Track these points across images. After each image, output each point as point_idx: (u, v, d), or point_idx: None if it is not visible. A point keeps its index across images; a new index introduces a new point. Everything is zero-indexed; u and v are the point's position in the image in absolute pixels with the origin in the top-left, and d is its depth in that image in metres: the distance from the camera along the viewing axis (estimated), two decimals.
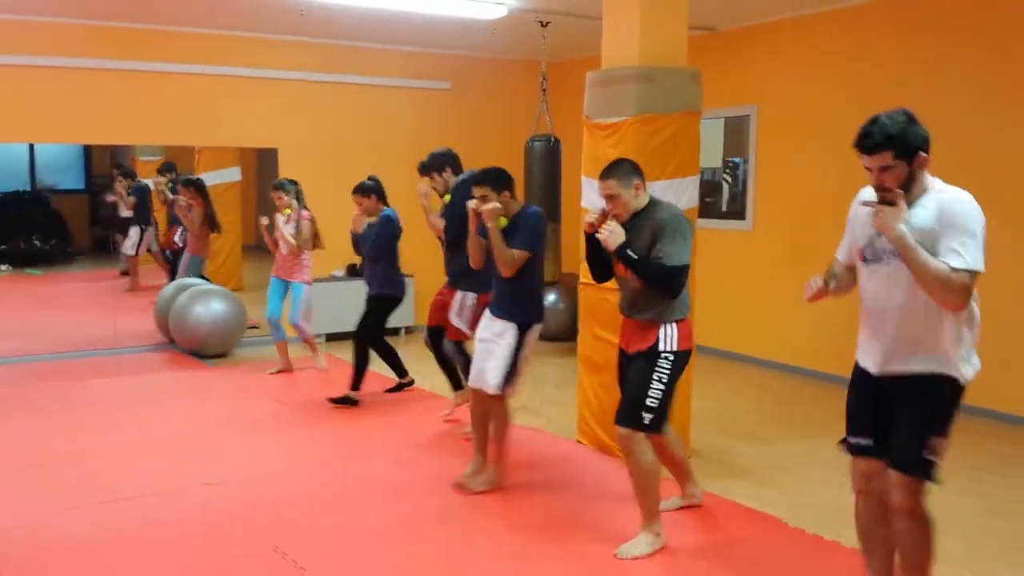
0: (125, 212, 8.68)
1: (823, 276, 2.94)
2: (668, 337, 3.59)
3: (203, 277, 8.06)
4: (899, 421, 2.70)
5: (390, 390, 6.28)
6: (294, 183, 6.59)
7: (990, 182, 5.52)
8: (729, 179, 7.55)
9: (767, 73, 7.20)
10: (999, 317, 5.06)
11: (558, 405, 5.61)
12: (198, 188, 8.02)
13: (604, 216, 3.64)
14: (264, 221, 6.65)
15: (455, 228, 4.73)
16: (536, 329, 4.25)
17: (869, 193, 2.72)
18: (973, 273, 2.48)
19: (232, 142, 8.23)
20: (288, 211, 6.48)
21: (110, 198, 8.62)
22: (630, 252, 3.49)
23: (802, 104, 6.92)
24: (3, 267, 8.36)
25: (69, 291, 9.07)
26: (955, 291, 2.47)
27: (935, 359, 2.63)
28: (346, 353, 6.22)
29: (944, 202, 2.55)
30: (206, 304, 7.30)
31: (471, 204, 4.19)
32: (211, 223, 8.03)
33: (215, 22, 7.38)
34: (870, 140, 2.57)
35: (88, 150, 8.80)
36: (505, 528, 3.90)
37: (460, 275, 4.89)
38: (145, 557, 3.58)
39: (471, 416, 4.47)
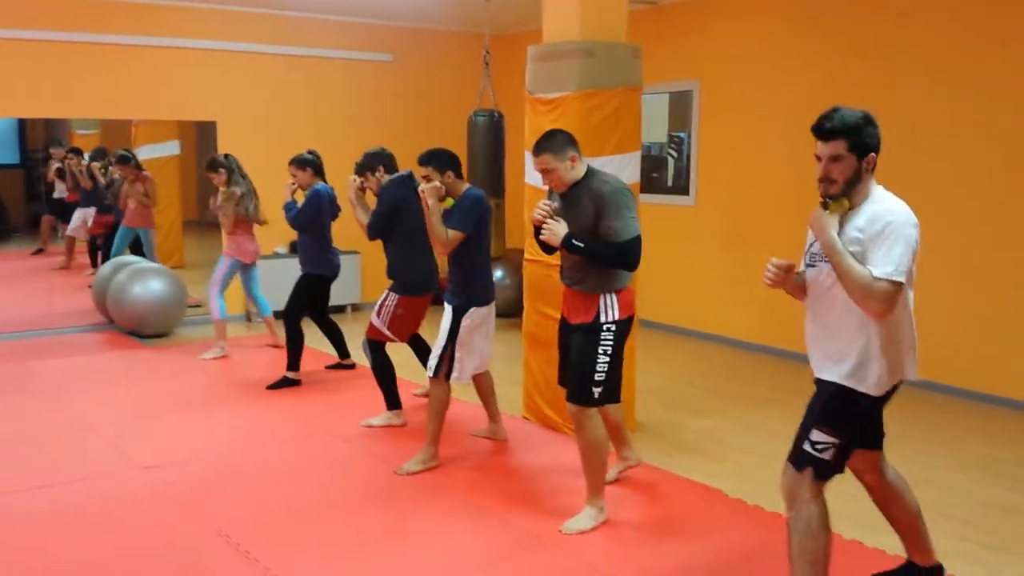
0: (60, 192, 8.47)
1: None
2: (608, 307, 3.60)
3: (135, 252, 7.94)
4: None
5: (331, 367, 6.25)
6: (227, 157, 6.49)
7: (953, 156, 5.63)
8: (675, 154, 7.59)
9: (708, 48, 7.23)
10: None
11: (504, 381, 5.61)
12: (135, 163, 7.86)
13: (548, 214, 3.58)
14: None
15: (376, 227, 4.71)
16: (475, 312, 4.24)
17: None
18: (894, 282, 2.48)
19: (170, 115, 8.02)
20: (224, 189, 6.42)
21: (50, 176, 8.39)
22: (576, 242, 3.47)
23: (744, 80, 6.97)
24: None
25: (3, 270, 8.81)
26: (876, 298, 2.49)
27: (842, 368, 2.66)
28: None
29: (878, 212, 2.58)
30: (145, 283, 7.14)
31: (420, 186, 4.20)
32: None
33: None
34: (828, 124, 2.60)
35: (23, 124, 8.51)
36: (451, 504, 3.91)
37: (388, 274, 4.86)
38: (83, 543, 3.51)
39: None
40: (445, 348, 4.23)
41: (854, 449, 2.76)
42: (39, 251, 8.69)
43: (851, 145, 2.58)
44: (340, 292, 5.97)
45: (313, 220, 5.74)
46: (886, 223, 2.53)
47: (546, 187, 3.74)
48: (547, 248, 3.85)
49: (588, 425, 3.59)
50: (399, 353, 5.11)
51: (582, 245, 3.47)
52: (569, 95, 4.61)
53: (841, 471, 2.75)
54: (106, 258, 8.02)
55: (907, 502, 2.97)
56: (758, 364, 6.62)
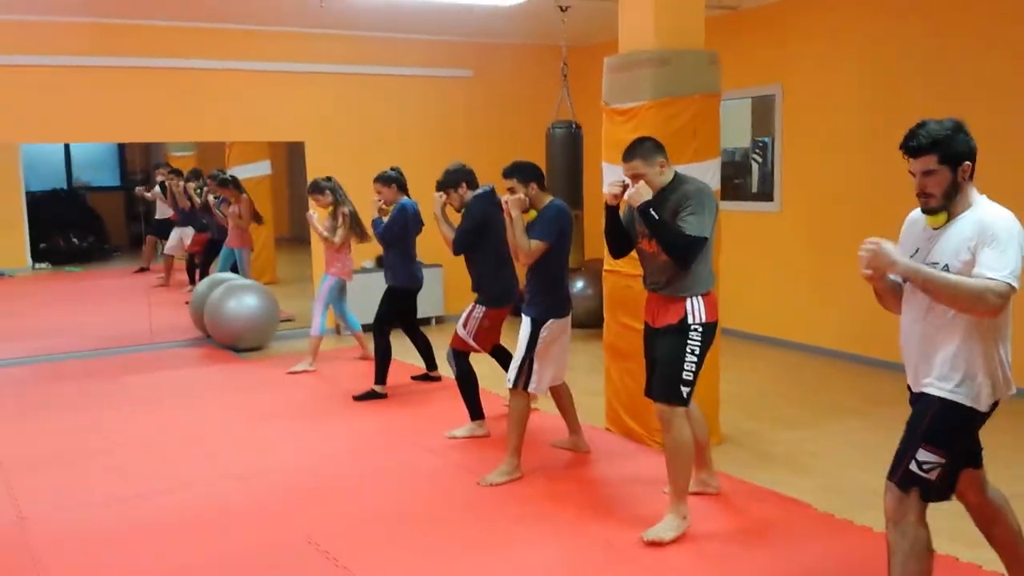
0: (163, 213, 8.85)
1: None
2: (696, 310, 3.62)
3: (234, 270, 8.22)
4: None
5: (416, 378, 6.36)
6: (329, 179, 6.65)
7: None
8: (759, 159, 7.48)
9: (791, 52, 7.10)
10: None
11: (585, 392, 5.61)
12: (236, 185, 8.16)
13: (624, 185, 3.67)
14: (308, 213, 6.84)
15: (463, 242, 4.79)
16: (553, 324, 4.28)
17: (917, 214, 2.70)
18: (1010, 285, 2.44)
19: (260, 136, 8.33)
20: (330, 209, 6.58)
21: (148, 195, 8.76)
22: (652, 211, 3.51)
23: (828, 84, 6.82)
24: (43, 265, 8.54)
25: (106, 287, 9.25)
26: (989, 300, 2.43)
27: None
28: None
29: (983, 219, 2.53)
30: (240, 299, 7.40)
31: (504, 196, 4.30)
32: (255, 215, 8.21)
33: (239, 18, 7.45)
34: (915, 142, 2.56)
35: (123, 147, 8.97)
36: (532, 516, 3.93)
37: (473, 287, 4.93)
38: (178, 549, 3.66)
39: None
40: (524, 359, 4.28)
41: (961, 469, 2.68)
42: (142, 270, 9.07)
43: (942, 157, 2.54)
44: (424, 305, 6.08)
45: (400, 235, 5.87)
46: (994, 229, 2.49)
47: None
48: (615, 248, 3.89)
49: (676, 425, 3.60)
50: (482, 365, 5.17)
51: (656, 216, 3.51)
52: (645, 104, 4.60)
53: (948, 495, 2.67)
54: (203, 275, 8.34)
55: (1008, 522, 2.86)
56: (844, 373, 6.45)
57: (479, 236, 4.76)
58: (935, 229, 2.61)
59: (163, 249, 8.98)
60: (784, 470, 4.50)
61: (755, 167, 7.53)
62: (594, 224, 6.72)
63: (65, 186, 8.92)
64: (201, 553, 3.63)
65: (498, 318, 4.87)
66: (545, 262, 4.23)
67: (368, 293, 7.32)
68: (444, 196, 5.01)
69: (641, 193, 3.55)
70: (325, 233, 6.57)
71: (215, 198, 8.31)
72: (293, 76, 8.03)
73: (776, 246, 7.38)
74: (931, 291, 2.51)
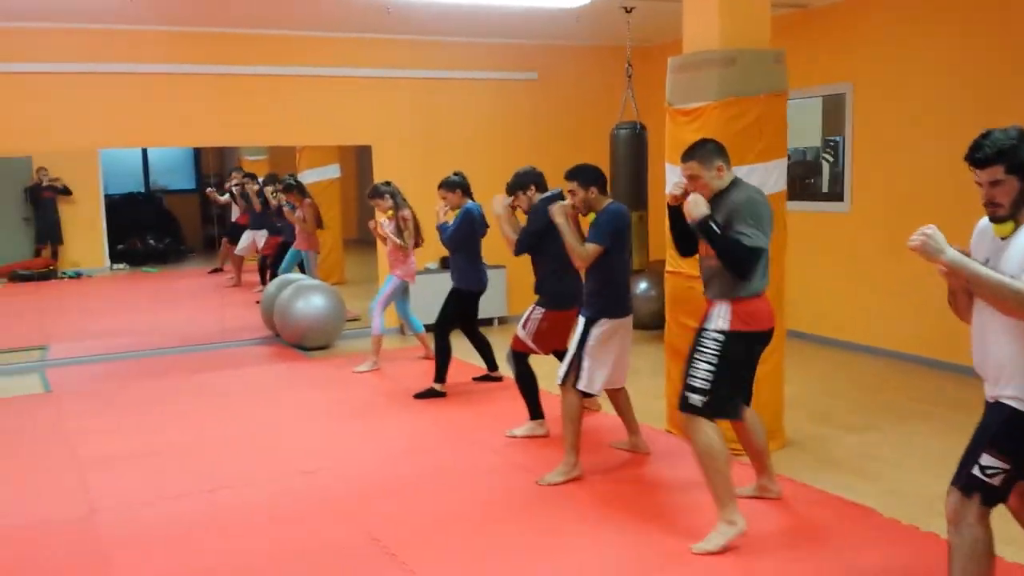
0: (236, 215, 9.09)
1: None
2: (719, 315, 3.58)
3: (302, 270, 8.39)
4: None
5: (477, 379, 6.41)
6: (388, 184, 6.75)
7: None
8: (830, 158, 7.34)
9: (861, 49, 6.95)
10: None
11: (647, 395, 5.59)
12: (300, 190, 8.33)
13: (687, 190, 3.67)
14: (371, 224, 6.92)
15: (526, 243, 4.81)
16: (606, 323, 4.27)
17: (986, 222, 2.65)
18: None
19: (329, 141, 8.49)
20: (390, 213, 6.67)
21: (222, 199, 9.01)
22: (713, 224, 3.49)
23: (900, 82, 6.65)
24: (121, 265, 8.85)
25: (181, 288, 9.54)
26: None
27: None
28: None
29: None
30: (307, 299, 7.56)
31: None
32: (318, 220, 8.36)
33: (309, 25, 7.61)
34: (980, 153, 2.52)
35: (198, 152, 9.24)
36: (590, 518, 3.94)
37: (536, 289, 4.96)
38: (243, 543, 3.76)
39: None
40: (574, 356, 4.29)
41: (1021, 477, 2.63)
42: (216, 270, 9.32)
43: (1009, 167, 2.48)
44: (487, 305, 6.14)
45: (466, 239, 5.94)
46: None
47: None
48: (682, 247, 3.88)
49: (694, 432, 3.56)
50: (543, 365, 5.19)
51: (717, 229, 3.48)
52: (709, 104, 4.56)
53: (1006, 499, 2.64)
54: (274, 276, 8.54)
55: None
56: (912, 376, 6.27)
57: (542, 238, 4.78)
58: (1003, 239, 2.56)
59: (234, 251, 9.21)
60: (849, 475, 4.41)
61: (826, 167, 7.38)
62: (657, 225, 6.68)
63: (142, 189, 9.24)
64: (264, 547, 3.72)
65: (557, 320, 4.86)
66: (601, 264, 4.23)
67: (432, 294, 7.42)
68: (512, 198, 5.03)
69: (699, 206, 3.52)
70: (397, 240, 6.65)
71: (285, 203, 8.50)
72: (360, 81, 8.16)
73: (845, 247, 7.22)
74: (976, 287, 2.48)
